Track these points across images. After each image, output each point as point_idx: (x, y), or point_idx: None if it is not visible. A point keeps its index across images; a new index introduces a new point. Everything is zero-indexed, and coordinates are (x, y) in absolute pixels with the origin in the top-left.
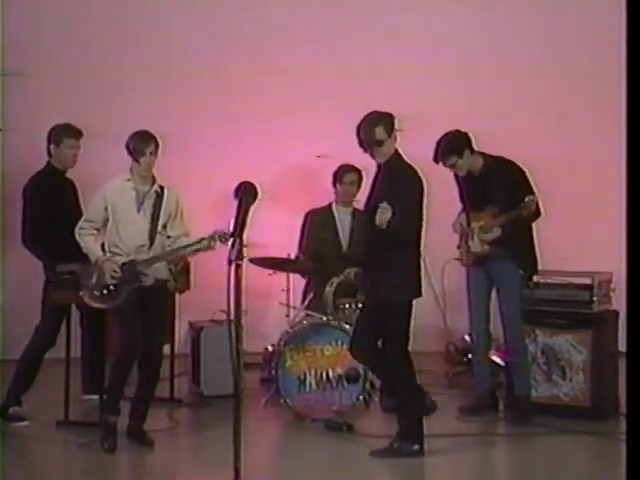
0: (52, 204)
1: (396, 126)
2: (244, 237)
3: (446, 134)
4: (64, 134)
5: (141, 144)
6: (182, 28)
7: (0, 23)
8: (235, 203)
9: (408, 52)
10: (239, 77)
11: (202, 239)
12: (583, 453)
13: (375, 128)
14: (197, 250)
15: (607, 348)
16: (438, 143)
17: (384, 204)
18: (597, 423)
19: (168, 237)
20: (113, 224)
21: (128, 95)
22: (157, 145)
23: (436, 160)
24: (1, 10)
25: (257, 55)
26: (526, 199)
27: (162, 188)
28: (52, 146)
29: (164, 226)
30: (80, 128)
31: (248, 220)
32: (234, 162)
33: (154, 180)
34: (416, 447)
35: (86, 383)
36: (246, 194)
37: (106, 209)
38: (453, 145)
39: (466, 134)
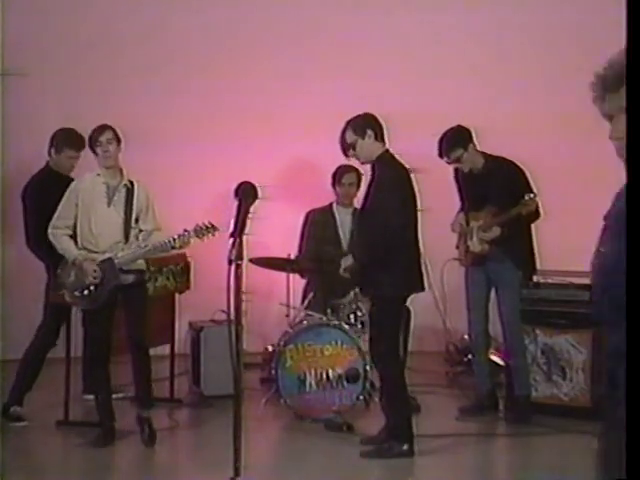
0: (51, 206)
1: (383, 126)
2: (243, 237)
3: (449, 129)
4: (65, 144)
5: (96, 134)
6: (182, 27)
7: (0, 23)
8: (235, 203)
9: (408, 52)
10: (240, 77)
11: (179, 235)
12: (583, 453)
13: (345, 133)
14: (173, 247)
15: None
16: (441, 139)
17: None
18: (597, 423)
19: (140, 231)
20: (84, 219)
21: (128, 95)
22: (116, 135)
23: (441, 155)
24: (1, 10)
25: (257, 54)
26: (526, 197)
27: (132, 183)
28: (52, 150)
29: (136, 220)
30: (83, 136)
31: (248, 220)
32: (234, 162)
33: (122, 174)
34: (405, 447)
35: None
36: (246, 194)
37: (77, 205)
38: (458, 138)
39: (469, 129)
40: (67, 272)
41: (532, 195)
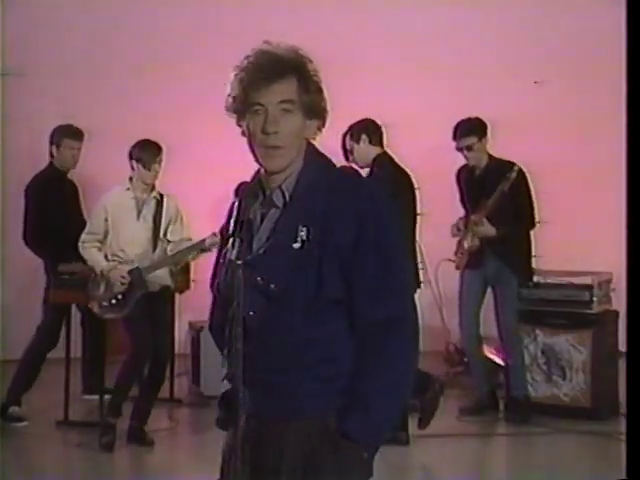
0: (53, 205)
1: (380, 130)
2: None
3: (469, 117)
4: (64, 135)
5: (151, 155)
6: (183, 28)
7: (0, 23)
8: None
9: (411, 51)
10: None
11: (202, 240)
12: (583, 453)
13: (345, 139)
14: (198, 252)
15: (607, 348)
16: (459, 123)
17: None
18: (597, 423)
19: (169, 242)
20: (114, 234)
21: (128, 95)
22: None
23: (455, 137)
24: (1, 10)
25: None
26: (507, 175)
27: (162, 196)
28: (53, 147)
29: (165, 233)
30: (81, 129)
31: None
32: (234, 162)
33: (154, 187)
34: (403, 435)
35: (86, 383)
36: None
37: (106, 220)
38: (476, 126)
39: (486, 124)
40: (96, 284)
41: (515, 167)
